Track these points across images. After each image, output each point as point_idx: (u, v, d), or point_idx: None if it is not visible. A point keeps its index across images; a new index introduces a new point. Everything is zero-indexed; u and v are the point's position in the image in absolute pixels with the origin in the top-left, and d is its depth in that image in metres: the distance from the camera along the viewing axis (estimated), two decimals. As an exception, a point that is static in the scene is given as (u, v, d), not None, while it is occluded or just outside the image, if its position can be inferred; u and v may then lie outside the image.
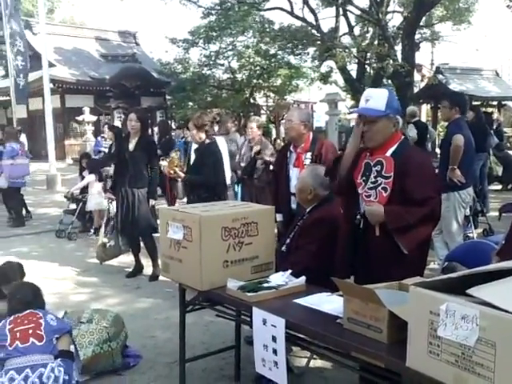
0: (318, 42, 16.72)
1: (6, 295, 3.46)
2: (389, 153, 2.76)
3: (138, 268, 6.01)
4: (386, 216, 2.63)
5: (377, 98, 2.73)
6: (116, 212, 5.88)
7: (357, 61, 17.22)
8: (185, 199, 6.32)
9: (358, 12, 16.12)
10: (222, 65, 22.02)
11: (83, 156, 9.52)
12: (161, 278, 5.44)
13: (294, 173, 4.18)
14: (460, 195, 5.34)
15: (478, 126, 7.53)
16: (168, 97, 24.60)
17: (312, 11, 16.45)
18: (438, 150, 10.49)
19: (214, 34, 19.36)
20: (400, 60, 13.70)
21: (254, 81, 21.47)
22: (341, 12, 16.97)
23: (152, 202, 5.80)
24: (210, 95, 21.95)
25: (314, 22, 16.37)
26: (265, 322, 2.44)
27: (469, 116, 7.41)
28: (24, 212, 9.51)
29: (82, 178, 8.64)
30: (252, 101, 22.48)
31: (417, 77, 19.22)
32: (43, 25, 14.81)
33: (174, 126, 19.63)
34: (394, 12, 17.23)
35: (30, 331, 2.96)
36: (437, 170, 4.54)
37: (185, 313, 3.22)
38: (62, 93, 22.50)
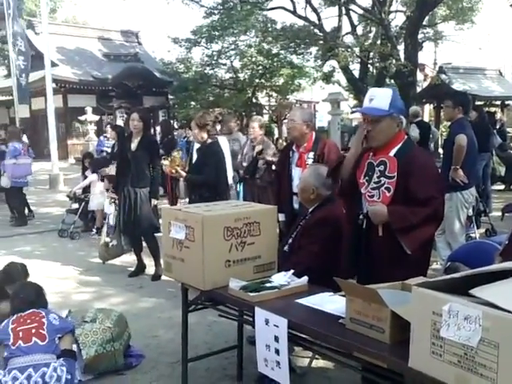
0: (321, 42, 16.72)
1: (9, 295, 3.47)
2: (392, 153, 2.75)
3: (141, 267, 6.02)
4: (390, 216, 2.62)
5: (381, 98, 2.72)
6: (118, 212, 5.88)
7: (359, 60, 17.24)
8: (187, 199, 6.32)
9: (361, 11, 16.12)
10: (225, 64, 22.02)
11: (86, 156, 9.53)
12: (163, 277, 5.44)
13: (296, 172, 4.17)
14: (463, 195, 5.33)
15: (481, 126, 7.52)
16: (170, 96, 24.60)
17: (315, 10, 16.45)
18: (440, 150, 10.47)
19: (217, 33, 19.36)
20: (403, 60, 13.68)
21: (257, 80, 21.46)
22: (343, 11, 16.96)
23: (154, 201, 5.80)
24: (212, 95, 21.94)
25: (317, 22, 16.37)
26: (267, 322, 2.44)
27: (472, 116, 7.39)
28: (26, 211, 9.52)
29: (85, 177, 8.65)
30: (254, 100, 22.47)
31: (420, 76, 19.20)
32: (46, 24, 14.84)
33: (176, 126, 19.61)
34: (396, 11, 17.22)
35: (33, 331, 2.96)
36: (439, 170, 4.53)
37: (187, 312, 3.22)
38: (65, 92, 22.52)
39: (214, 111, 10.23)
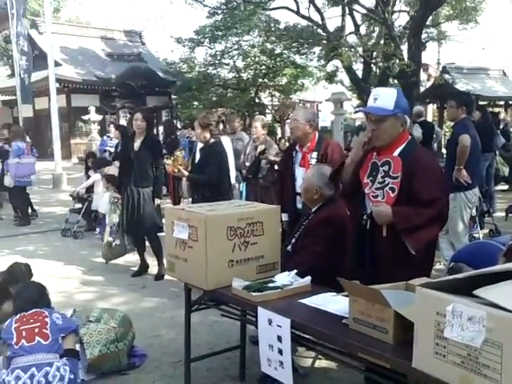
0: (324, 42, 16.71)
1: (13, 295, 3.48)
2: (396, 153, 2.75)
3: (144, 267, 6.02)
4: (395, 217, 2.62)
5: (385, 97, 2.72)
6: (121, 211, 5.88)
7: (363, 60, 17.20)
8: (190, 199, 6.32)
9: (364, 11, 16.10)
10: (228, 64, 22.01)
11: (89, 155, 9.55)
12: (166, 277, 5.45)
13: (299, 172, 4.17)
14: (466, 195, 5.32)
15: (484, 126, 7.51)
16: (173, 96, 24.62)
17: (318, 10, 16.43)
18: (443, 150, 10.46)
19: (220, 33, 19.35)
20: (406, 59, 13.66)
21: (260, 80, 21.45)
22: (347, 11, 16.93)
23: (157, 201, 5.80)
24: (215, 95, 21.95)
25: (320, 22, 16.35)
26: (270, 321, 2.44)
27: (475, 116, 7.38)
28: (30, 211, 9.54)
29: (88, 177, 8.67)
30: (257, 100, 22.46)
31: (423, 76, 19.16)
32: (49, 24, 14.85)
33: (179, 126, 19.63)
34: (400, 11, 17.18)
35: (36, 330, 2.97)
36: (443, 170, 4.52)
37: (190, 312, 3.22)
38: (68, 92, 22.56)
39: (217, 111, 10.22)
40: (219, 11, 18.60)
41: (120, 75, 22.68)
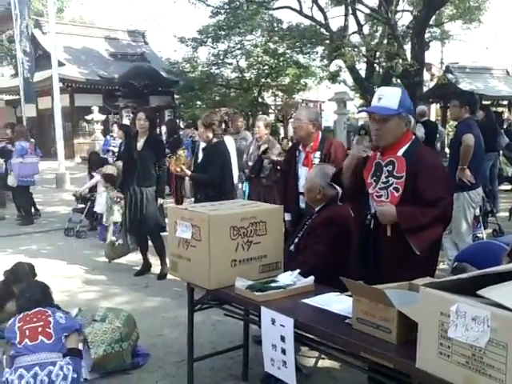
0: (327, 41, 16.71)
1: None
2: (400, 152, 2.74)
3: (147, 267, 6.03)
4: (399, 216, 2.61)
5: (389, 97, 2.71)
6: (124, 211, 5.89)
7: (366, 60, 17.20)
8: (192, 198, 6.32)
9: (368, 11, 16.08)
10: (231, 64, 22.02)
11: (92, 155, 9.56)
12: (169, 276, 5.45)
13: (302, 172, 4.16)
14: (469, 195, 5.31)
15: (488, 126, 7.48)
16: (176, 96, 24.65)
17: (321, 10, 16.42)
18: (447, 150, 10.43)
19: (223, 32, 19.37)
20: (409, 59, 13.64)
21: (263, 80, 21.46)
22: (350, 11, 16.92)
23: (160, 200, 5.80)
24: (218, 94, 21.96)
25: (323, 21, 16.34)
26: (273, 321, 2.43)
27: (479, 115, 7.35)
28: (33, 210, 9.55)
29: (91, 176, 8.67)
30: (260, 100, 22.46)
31: (426, 76, 19.13)
32: (53, 24, 14.89)
33: (182, 126, 19.65)
34: (403, 11, 17.16)
35: (39, 329, 2.97)
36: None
37: (193, 312, 3.22)
38: (71, 92, 22.60)
39: (220, 111, 10.21)
40: (222, 11, 18.62)
41: (123, 75, 22.72)
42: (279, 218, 3.14)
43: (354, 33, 17.87)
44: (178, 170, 5.42)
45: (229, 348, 3.68)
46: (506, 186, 11.32)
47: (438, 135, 9.84)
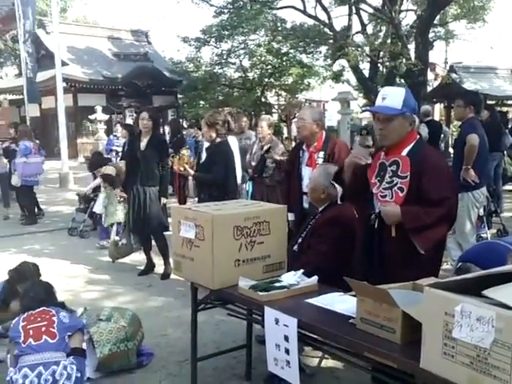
0: (331, 41, 16.68)
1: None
2: (404, 152, 2.73)
3: (150, 266, 6.03)
4: (403, 216, 2.60)
5: (393, 97, 2.70)
6: (128, 210, 5.89)
7: (369, 59, 17.15)
8: (196, 198, 6.32)
9: (371, 10, 16.05)
10: (234, 63, 22.01)
11: (95, 155, 9.57)
12: (172, 276, 5.45)
13: (306, 172, 4.16)
14: (473, 195, 5.29)
15: (492, 126, 7.46)
16: (180, 96, 24.65)
17: (325, 10, 16.40)
18: (451, 150, 10.39)
19: (226, 32, 19.36)
20: (413, 59, 13.61)
21: (266, 79, 21.43)
22: (353, 10, 16.90)
23: (163, 200, 5.80)
24: (221, 94, 21.94)
25: (327, 21, 16.33)
26: (277, 321, 2.43)
27: (483, 115, 7.32)
28: (36, 210, 9.57)
29: (95, 176, 8.68)
30: (263, 100, 22.42)
31: (430, 76, 19.08)
32: (56, 24, 14.91)
33: (185, 125, 19.66)
34: (407, 10, 17.14)
35: (43, 329, 2.98)
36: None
37: (196, 311, 3.22)
38: (75, 91, 22.65)
39: (223, 110, 10.18)
40: (225, 10, 18.62)
41: (126, 75, 22.76)
42: (283, 218, 3.14)
43: (357, 32, 17.85)
44: (182, 169, 5.42)
45: (232, 348, 3.68)
46: (510, 186, 11.26)
47: (442, 135, 9.82)
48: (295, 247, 3.43)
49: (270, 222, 2.97)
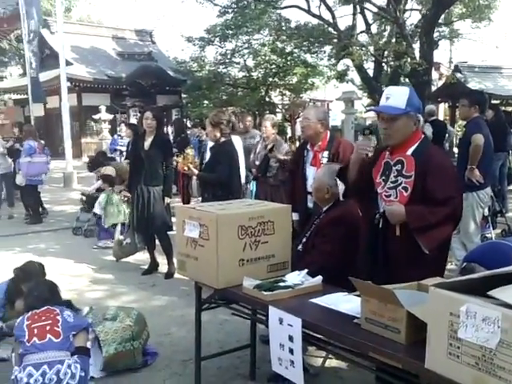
0: (335, 40, 16.66)
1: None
2: (409, 152, 2.73)
3: (154, 266, 6.04)
4: (408, 216, 2.60)
5: (397, 96, 2.70)
6: (132, 210, 5.90)
7: (374, 59, 17.13)
8: (200, 197, 6.32)
9: (376, 10, 16.03)
10: (238, 63, 22.02)
11: (99, 154, 9.58)
12: (176, 275, 5.45)
13: (310, 171, 4.14)
14: (478, 195, 5.27)
15: (497, 125, 7.43)
16: (184, 95, 24.69)
17: (329, 9, 16.37)
18: (455, 149, 10.37)
19: (230, 32, 19.38)
20: (418, 58, 13.57)
21: (270, 79, 21.44)
22: (358, 10, 16.87)
23: (167, 199, 5.81)
24: (225, 93, 21.96)
25: (331, 20, 16.29)
26: (281, 321, 2.43)
27: (488, 115, 7.30)
28: (40, 209, 9.59)
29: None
30: (267, 99, 22.43)
31: (435, 75, 19.02)
32: (60, 24, 14.96)
33: (189, 125, 19.67)
34: (412, 10, 17.08)
35: (48, 328, 2.98)
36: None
37: (201, 311, 3.22)
38: (79, 91, 22.70)
39: (227, 110, 10.16)
40: (230, 10, 18.61)
41: (130, 74, 22.80)
42: (287, 218, 3.14)
43: (362, 32, 17.81)
44: (186, 168, 5.42)
45: (236, 347, 3.68)
46: (515, 186, 11.23)
47: (447, 135, 9.79)
48: (299, 247, 3.43)
49: (275, 222, 2.97)
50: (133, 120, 18.97)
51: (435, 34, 15.79)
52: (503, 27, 28.64)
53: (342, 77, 21.34)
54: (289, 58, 20.21)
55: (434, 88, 17.33)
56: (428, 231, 2.59)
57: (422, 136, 2.81)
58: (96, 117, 19.56)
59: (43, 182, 9.57)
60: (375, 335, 2.10)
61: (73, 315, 3.16)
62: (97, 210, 7.38)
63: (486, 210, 5.97)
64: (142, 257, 6.33)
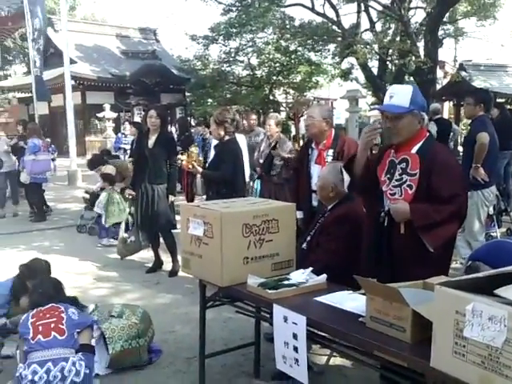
0: (339, 39, 16.60)
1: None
2: (414, 150, 2.72)
3: (158, 263, 6.05)
4: (412, 214, 2.59)
5: (401, 95, 2.69)
6: (136, 208, 5.91)
7: (378, 57, 17.06)
8: (204, 195, 6.33)
9: (380, 8, 15.95)
10: (242, 61, 22.01)
11: (103, 152, 9.60)
12: (180, 273, 5.47)
13: (315, 170, 4.14)
14: (483, 194, 5.26)
15: (502, 124, 7.39)
16: (188, 93, 24.70)
17: (333, 7, 16.32)
18: (460, 148, 10.33)
19: (234, 30, 19.35)
20: (422, 56, 13.51)
21: (274, 77, 21.41)
22: (362, 8, 16.80)
23: (171, 198, 5.81)
24: (229, 92, 21.96)
25: (335, 18, 16.25)
26: (286, 319, 2.43)
27: (493, 113, 7.28)
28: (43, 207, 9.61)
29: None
30: (271, 97, 22.41)
31: (439, 73, 18.94)
32: (65, 22, 14.97)
33: (193, 123, 19.69)
34: (416, 8, 16.99)
35: (52, 325, 2.99)
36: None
37: (205, 309, 3.23)
38: (83, 89, 22.75)
39: (231, 108, 10.18)
40: (234, 8, 18.59)
41: (134, 72, 22.82)
42: (291, 216, 3.13)
43: (366, 30, 17.74)
44: (190, 166, 5.42)
45: (240, 345, 3.67)
46: (519, 185, 11.18)
47: (451, 133, 9.75)
48: (304, 245, 3.42)
49: (279, 220, 2.97)
50: (137, 118, 19.00)
51: (440, 32, 15.72)
52: (508, 25, 28.48)
53: (346, 75, 21.30)
54: (293, 56, 20.18)
55: (438, 86, 17.28)
56: (433, 229, 2.58)
57: (427, 134, 2.80)
58: (100, 115, 19.61)
59: (47, 180, 9.58)
60: (380, 334, 2.09)
61: (77, 313, 3.16)
62: (97, 209, 7.39)
63: (491, 209, 5.95)
64: (146, 255, 6.34)
